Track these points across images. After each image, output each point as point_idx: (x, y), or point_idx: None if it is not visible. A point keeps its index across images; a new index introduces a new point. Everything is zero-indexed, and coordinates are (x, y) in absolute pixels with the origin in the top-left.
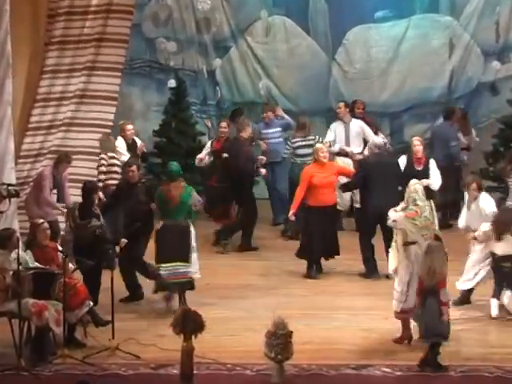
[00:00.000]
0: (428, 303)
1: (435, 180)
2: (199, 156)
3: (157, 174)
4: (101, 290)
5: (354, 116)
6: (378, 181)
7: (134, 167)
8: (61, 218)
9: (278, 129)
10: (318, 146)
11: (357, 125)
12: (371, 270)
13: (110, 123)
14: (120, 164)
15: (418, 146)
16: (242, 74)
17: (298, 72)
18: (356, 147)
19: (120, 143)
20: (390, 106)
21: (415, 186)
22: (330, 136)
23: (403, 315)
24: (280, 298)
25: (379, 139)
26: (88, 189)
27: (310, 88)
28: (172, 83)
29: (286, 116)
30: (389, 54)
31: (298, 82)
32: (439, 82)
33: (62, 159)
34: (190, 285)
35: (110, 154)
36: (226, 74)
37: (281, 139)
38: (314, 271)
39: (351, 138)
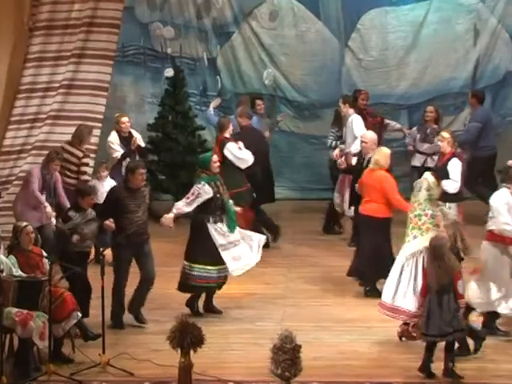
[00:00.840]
0: (445, 300)
1: (450, 183)
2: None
3: (152, 172)
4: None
5: (356, 106)
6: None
7: (145, 170)
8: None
9: None
10: (388, 150)
11: (349, 120)
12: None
13: (100, 116)
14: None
15: (439, 141)
16: (245, 62)
17: (308, 60)
18: (350, 143)
19: (113, 138)
20: (409, 98)
21: (422, 180)
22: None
23: (395, 314)
24: (287, 308)
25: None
26: (77, 190)
27: (320, 78)
28: (169, 72)
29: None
30: (407, 40)
31: (307, 71)
32: (463, 72)
33: (53, 157)
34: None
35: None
36: (228, 63)
37: None
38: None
39: (347, 133)
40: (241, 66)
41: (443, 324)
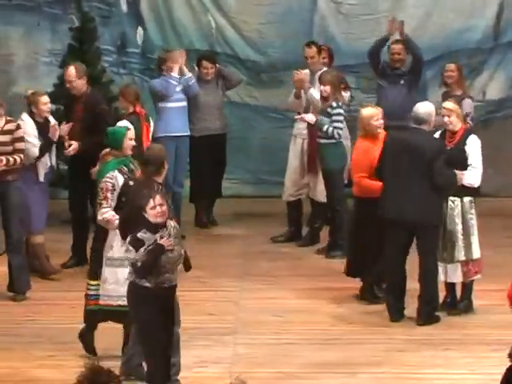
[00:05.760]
0: None
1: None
2: None
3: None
4: None
5: None
6: None
7: None
8: None
9: None
10: None
11: None
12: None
13: None
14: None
15: (445, 115)
16: (179, 6)
17: (266, 4)
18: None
19: (28, 125)
20: None
21: None
22: None
23: None
24: (238, 348)
25: None
26: None
27: (284, 29)
28: (73, 21)
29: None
30: None
31: (265, 18)
32: (481, 20)
33: None
34: None
35: None
36: (156, 7)
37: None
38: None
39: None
40: (174, 12)
41: None
